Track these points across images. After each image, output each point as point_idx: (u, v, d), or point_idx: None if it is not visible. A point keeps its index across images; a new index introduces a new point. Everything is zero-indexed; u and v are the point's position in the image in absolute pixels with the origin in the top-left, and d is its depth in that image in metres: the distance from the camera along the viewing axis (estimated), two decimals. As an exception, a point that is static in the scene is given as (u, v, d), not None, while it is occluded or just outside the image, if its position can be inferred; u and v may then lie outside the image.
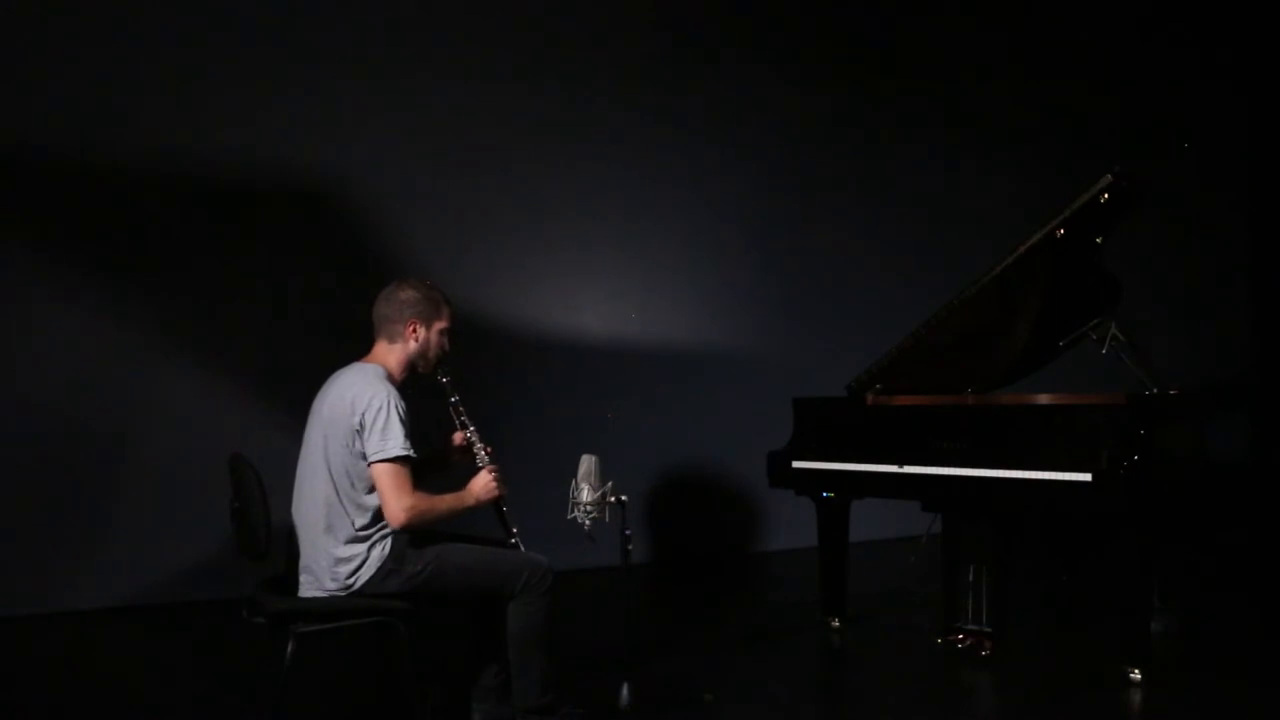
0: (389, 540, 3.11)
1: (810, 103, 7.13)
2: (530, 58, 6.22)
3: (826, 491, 4.61)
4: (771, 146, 7.00)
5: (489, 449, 3.31)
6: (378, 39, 5.82)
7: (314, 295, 5.57)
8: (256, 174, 5.53)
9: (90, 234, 5.23)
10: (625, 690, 3.51)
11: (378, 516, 3.09)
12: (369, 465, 3.05)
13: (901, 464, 4.20)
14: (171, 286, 5.37)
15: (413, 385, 3.28)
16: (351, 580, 3.07)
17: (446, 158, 6.00)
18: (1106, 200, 3.92)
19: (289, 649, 3.01)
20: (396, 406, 3.07)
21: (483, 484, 3.22)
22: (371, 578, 3.08)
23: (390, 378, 3.18)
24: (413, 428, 3.09)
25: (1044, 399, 4.23)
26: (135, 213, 5.29)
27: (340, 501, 3.08)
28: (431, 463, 3.35)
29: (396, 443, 3.04)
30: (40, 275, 5.14)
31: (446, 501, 3.13)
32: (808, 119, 7.13)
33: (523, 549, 3.28)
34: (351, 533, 3.08)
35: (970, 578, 4.26)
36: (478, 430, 3.34)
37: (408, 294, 3.24)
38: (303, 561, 3.13)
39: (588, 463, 3.40)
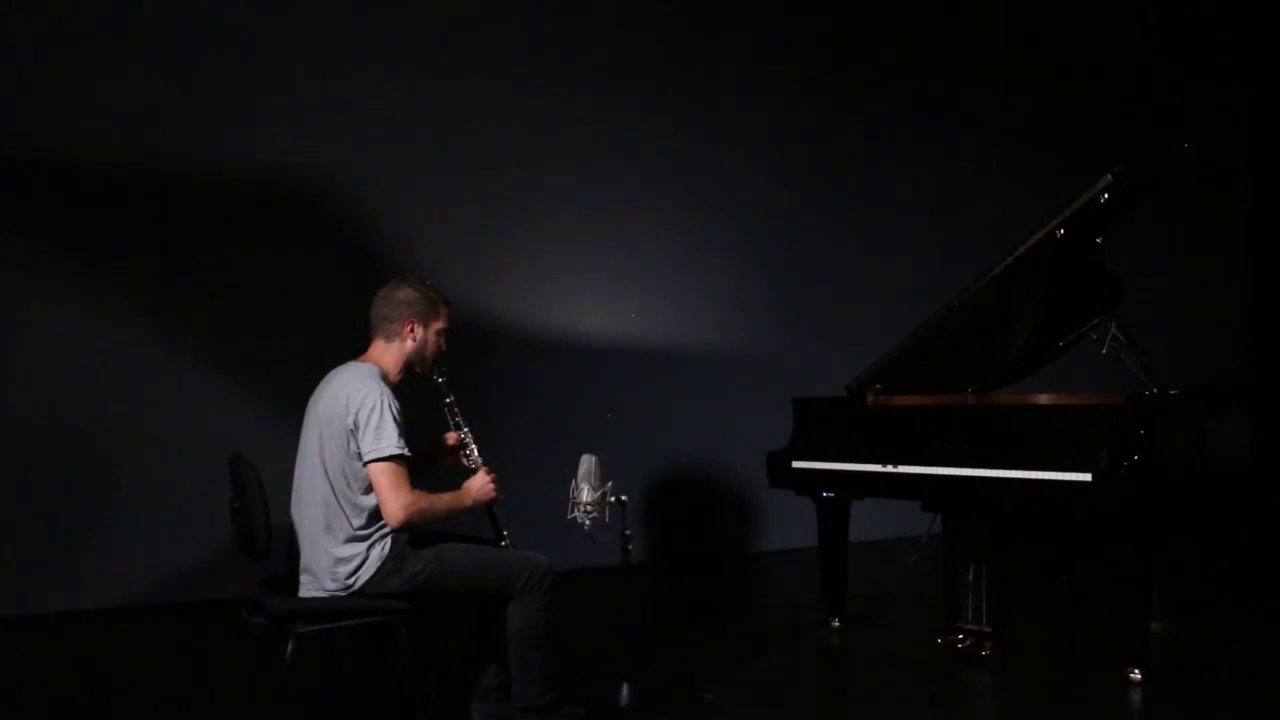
0: (389, 540, 3.11)
1: (811, 102, 7.14)
2: (530, 57, 6.22)
3: (826, 491, 4.61)
4: (772, 146, 6.99)
5: (479, 451, 3.31)
6: (377, 39, 5.82)
7: (314, 295, 5.57)
8: (256, 174, 5.53)
9: (90, 233, 5.23)
10: (625, 690, 3.51)
11: (375, 516, 3.08)
12: (365, 465, 3.05)
13: (901, 464, 4.20)
14: (171, 286, 5.37)
15: (408, 384, 3.28)
16: (352, 580, 3.07)
17: (446, 157, 6.00)
18: (1106, 200, 3.92)
19: (289, 649, 3.00)
20: (390, 406, 3.07)
21: (479, 485, 3.23)
22: (371, 578, 3.08)
23: (385, 377, 3.17)
24: (406, 427, 3.09)
25: (1044, 399, 4.23)
26: (135, 212, 5.29)
27: (338, 502, 3.08)
28: (422, 462, 3.34)
29: (390, 442, 3.03)
30: (40, 275, 5.14)
31: (444, 501, 3.14)
32: (808, 118, 7.13)
33: (515, 550, 3.28)
34: (350, 532, 3.07)
35: (970, 578, 4.26)
36: (471, 432, 3.35)
37: (406, 293, 3.23)
38: (303, 562, 3.13)
39: (588, 463, 3.40)
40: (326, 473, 3.09)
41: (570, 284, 6.34)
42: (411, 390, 3.29)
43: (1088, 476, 3.67)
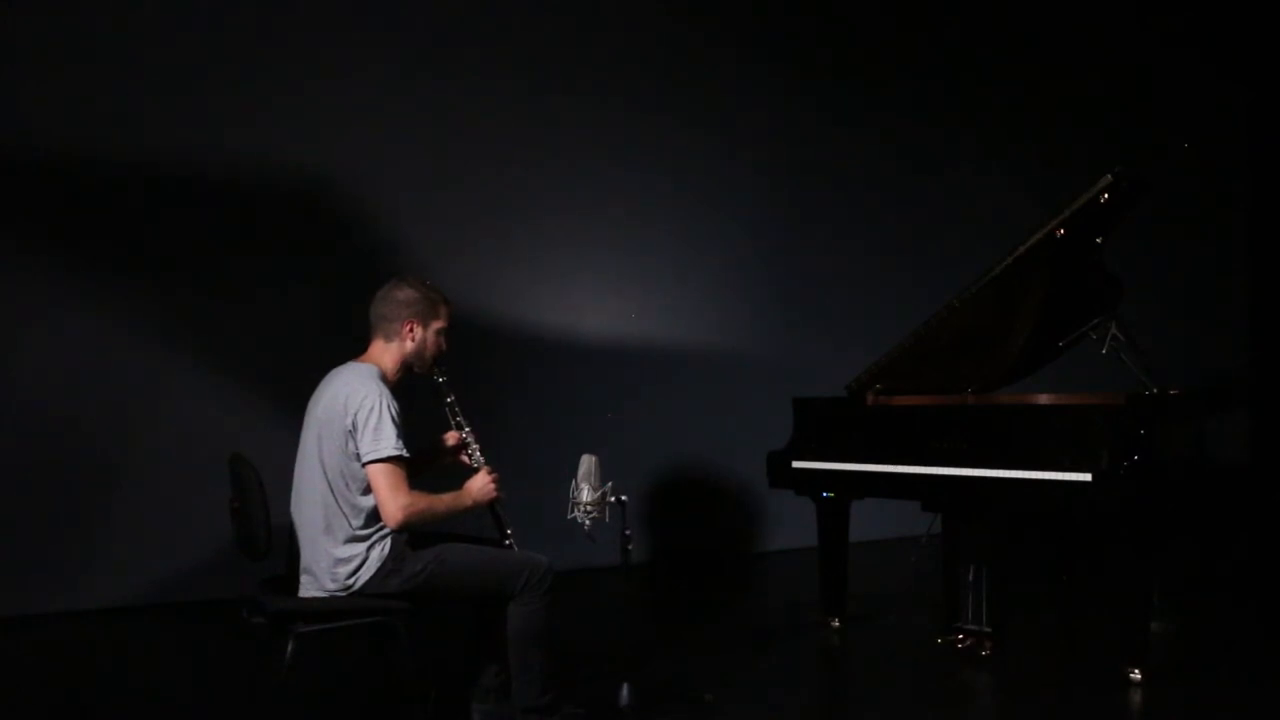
0: (388, 540, 3.11)
1: (810, 102, 7.14)
2: (529, 57, 6.22)
3: (826, 491, 4.61)
4: (772, 146, 6.99)
5: (481, 450, 3.32)
6: (377, 39, 5.82)
7: (314, 295, 5.57)
8: (256, 174, 5.52)
9: (90, 233, 5.23)
10: (625, 690, 3.51)
11: (374, 517, 3.08)
12: (363, 465, 3.05)
13: (901, 464, 4.20)
14: (171, 286, 5.37)
15: (408, 384, 3.28)
16: (351, 580, 3.07)
17: (445, 157, 6.00)
18: (1106, 200, 3.92)
19: (289, 649, 3.00)
20: (388, 406, 3.06)
21: (480, 485, 3.22)
22: (371, 578, 3.08)
23: (384, 377, 3.17)
24: (406, 427, 3.09)
25: (1044, 399, 4.23)
26: (136, 213, 5.29)
27: (337, 502, 3.08)
28: (422, 462, 3.34)
29: (389, 442, 3.03)
30: (40, 275, 5.14)
31: (444, 501, 3.14)
32: (808, 118, 7.12)
33: (516, 550, 3.28)
34: (350, 533, 3.07)
35: (970, 578, 4.26)
36: (473, 431, 3.35)
37: (405, 293, 3.23)
38: (303, 562, 3.13)
39: (588, 463, 3.40)
40: (325, 473, 3.09)
41: (570, 284, 6.33)
42: (411, 390, 3.29)
43: (1088, 476, 3.67)
